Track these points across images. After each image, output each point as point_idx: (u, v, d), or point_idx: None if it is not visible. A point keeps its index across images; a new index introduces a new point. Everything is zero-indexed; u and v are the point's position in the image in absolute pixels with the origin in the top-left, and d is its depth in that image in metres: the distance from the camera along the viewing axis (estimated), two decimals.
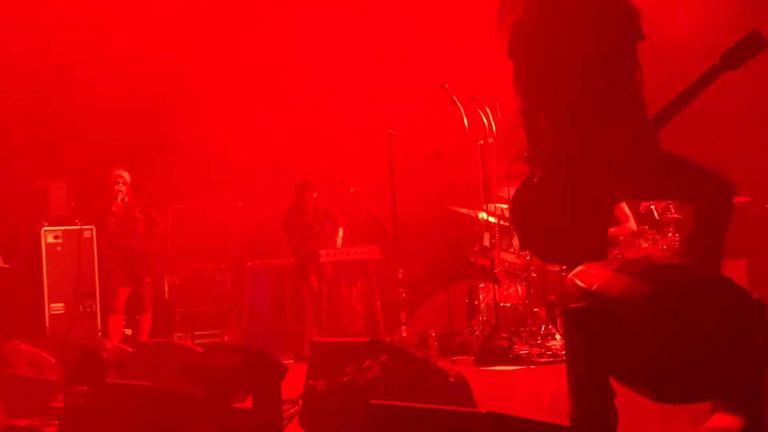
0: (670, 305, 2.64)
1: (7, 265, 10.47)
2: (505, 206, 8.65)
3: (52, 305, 10.52)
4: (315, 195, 10.21)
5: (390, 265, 9.37)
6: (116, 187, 9.72)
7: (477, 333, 8.38)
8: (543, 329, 8.06)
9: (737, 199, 4.15)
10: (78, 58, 10.84)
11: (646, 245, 8.33)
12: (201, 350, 5.02)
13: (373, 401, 3.11)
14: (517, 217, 4.41)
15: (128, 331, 10.44)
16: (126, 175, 9.80)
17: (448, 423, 2.72)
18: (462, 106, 8.43)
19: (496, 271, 8.55)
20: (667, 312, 2.63)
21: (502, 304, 8.44)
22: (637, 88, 4.12)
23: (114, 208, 9.71)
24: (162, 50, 10.84)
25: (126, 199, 9.76)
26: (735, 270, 8.37)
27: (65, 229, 10.70)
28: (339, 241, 10.28)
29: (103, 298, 10.48)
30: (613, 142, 4.04)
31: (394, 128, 9.12)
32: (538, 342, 7.84)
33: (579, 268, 2.98)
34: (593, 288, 2.80)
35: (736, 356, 2.69)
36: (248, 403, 4.23)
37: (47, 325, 10.45)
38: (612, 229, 8.17)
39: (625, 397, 2.97)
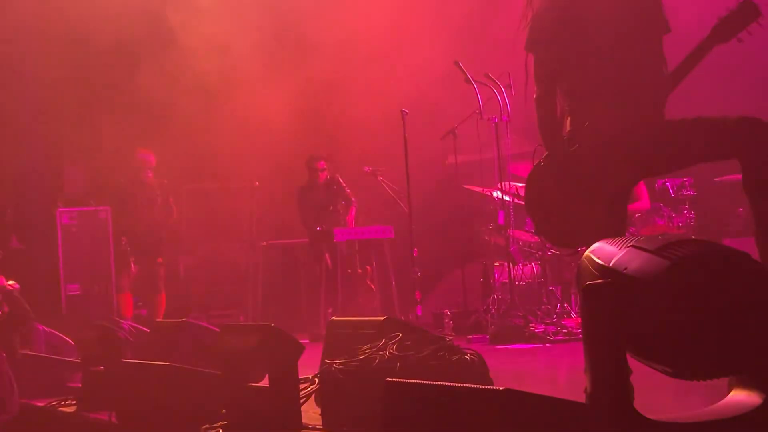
0: (688, 280, 2.62)
1: (23, 246, 10.53)
2: (520, 185, 8.64)
3: (68, 286, 10.56)
4: (324, 164, 10.21)
5: (405, 244, 9.37)
6: (143, 169, 9.84)
7: (492, 311, 8.39)
8: (558, 307, 8.06)
9: None
10: (90, 39, 10.84)
11: (661, 222, 8.31)
12: (217, 330, 5.04)
13: (389, 379, 3.11)
14: (532, 200, 4.37)
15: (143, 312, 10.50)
16: (152, 157, 9.91)
17: (464, 400, 2.72)
18: (476, 83, 8.40)
19: (510, 249, 8.55)
20: (684, 287, 2.62)
21: (517, 283, 8.44)
22: (661, 74, 4.03)
23: (138, 189, 9.82)
24: (175, 31, 10.83)
25: (149, 180, 9.89)
26: (752, 245, 8.33)
27: (81, 210, 10.74)
28: (352, 221, 10.29)
29: (118, 278, 10.55)
30: (633, 122, 3.99)
31: (408, 107, 9.10)
32: (554, 320, 7.84)
33: (596, 244, 2.97)
34: (610, 264, 2.79)
35: (754, 332, 2.68)
36: (265, 382, 4.24)
37: (63, 306, 10.51)
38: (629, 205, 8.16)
39: (642, 374, 2.96)
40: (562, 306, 8.10)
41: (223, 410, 4.43)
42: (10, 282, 6.73)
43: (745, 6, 3.74)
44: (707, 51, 3.83)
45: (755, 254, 3.04)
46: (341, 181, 10.32)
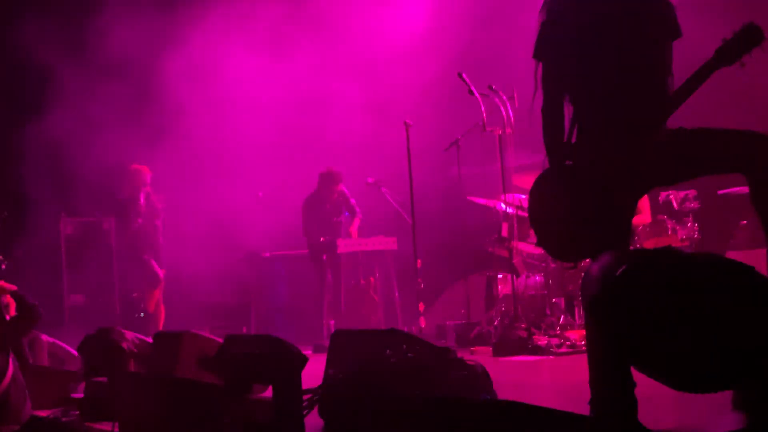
0: (692, 294, 2.63)
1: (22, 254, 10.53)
2: (524, 196, 8.64)
3: (72, 296, 10.57)
4: (342, 186, 10.23)
5: (408, 255, 9.37)
6: (137, 187, 9.87)
7: (495, 323, 8.38)
8: (562, 319, 8.05)
9: None
10: (92, 48, 10.89)
11: (665, 235, 8.30)
12: (220, 340, 5.03)
13: (393, 391, 3.11)
14: (535, 212, 4.37)
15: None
16: (147, 173, 9.94)
17: (468, 412, 2.72)
18: (479, 95, 8.41)
19: (514, 261, 8.54)
20: (689, 300, 2.62)
21: (520, 295, 8.43)
22: (666, 84, 4.02)
23: (139, 207, 9.85)
24: (179, 40, 10.87)
25: (147, 193, 9.92)
26: (756, 258, 8.35)
27: (84, 221, 10.75)
28: (355, 231, 10.30)
29: (122, 289, 10.56)
30: (639, 135, 3.98)
31: (412, 119, 9.11)
32: (557, 332, 7.83)
33: (601, 256, 2.97)
34: (615, 276, 2.79)
35: (758, 345, 2.68)
36: (268, 393, 4.24)
37: (67, 316, 10.52)
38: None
39: (646, 387, 2.96)
40: (565, 318, 8.09)
41: (226, 422, 4.42)
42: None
43: (750, 30, 3.71)
44: (710, 74, 3.81)
45: (759, 267, 3.04)
46: (346, 191, 10.33)
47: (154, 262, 9.99)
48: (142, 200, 9.89)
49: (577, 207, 4.05)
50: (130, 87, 11.16)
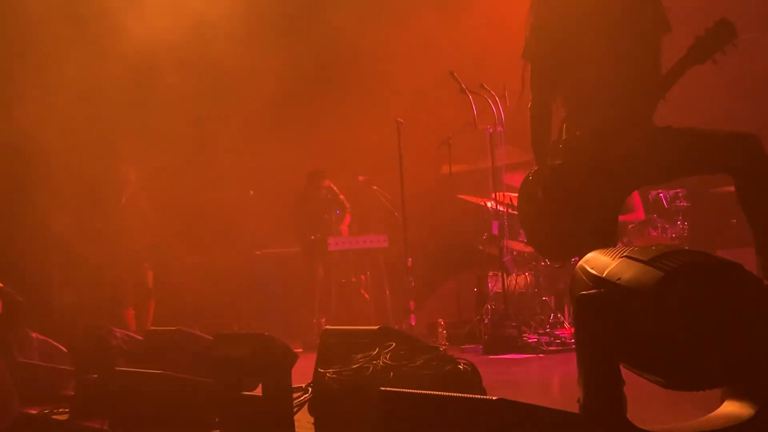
0: (681, 291, 2.63)
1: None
2: (514, 194, 8.65)
3: (63, 294, 10.55)
4: (328, 183, 10.24)
5: (399, 253, 9.37)
6: (123, 185, 9.91)
7: (486, 321, 8.39)
8: (552, 317, 8.06)
9: None
10: (86, 46, 10.85)
11: (655, 233, 8.32)
12: (211, 338, 5.03)
13: (383, 388, 3.11)
14: (523, 211, 4.37)
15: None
16: (133, 171, 9.97)
17: (457, 410, 2.72)
18: (471, 94, 8.42)
19: (504, 259, 8.55)
20: (677, 298, 2.62)
21: (510, 293, 8.44)
22: (656, 83, 4.02)
23: (120, 203, 9.88)
24: (170, 39, 10.84)
25: (132, 193, 9.94)
26: (745, 257, 8.37)
27: (75, 218, 10.73)
28: (345, 228, 10.30)
29: (114, 286, 10.53)
30: (628, 133, 3.99)
31: (403, 117, 9.11)
32: (547, 330, 7.84)
33: (589, 254, 2.98)
34: (604, 274, 2.79)
35: (746, 343, 2.68)
36: (258, 391, 4.24)
37: (56, 313, 10.49)
38: (622, 216, 8.17)
39: (635, 384, 2.97)
40: (555, 316, 8.10)
41: (216, 419, 4.42)
42: None
43: (722, 26, 3.70)
44: (683, 71, 3.81)
45: (748, 265, 3.05)
46: (334, 188, 10.33)
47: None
48: (123, 199, 9.92)
49: (564, 205, 4.06)
50: (121, 82, 11.12)
